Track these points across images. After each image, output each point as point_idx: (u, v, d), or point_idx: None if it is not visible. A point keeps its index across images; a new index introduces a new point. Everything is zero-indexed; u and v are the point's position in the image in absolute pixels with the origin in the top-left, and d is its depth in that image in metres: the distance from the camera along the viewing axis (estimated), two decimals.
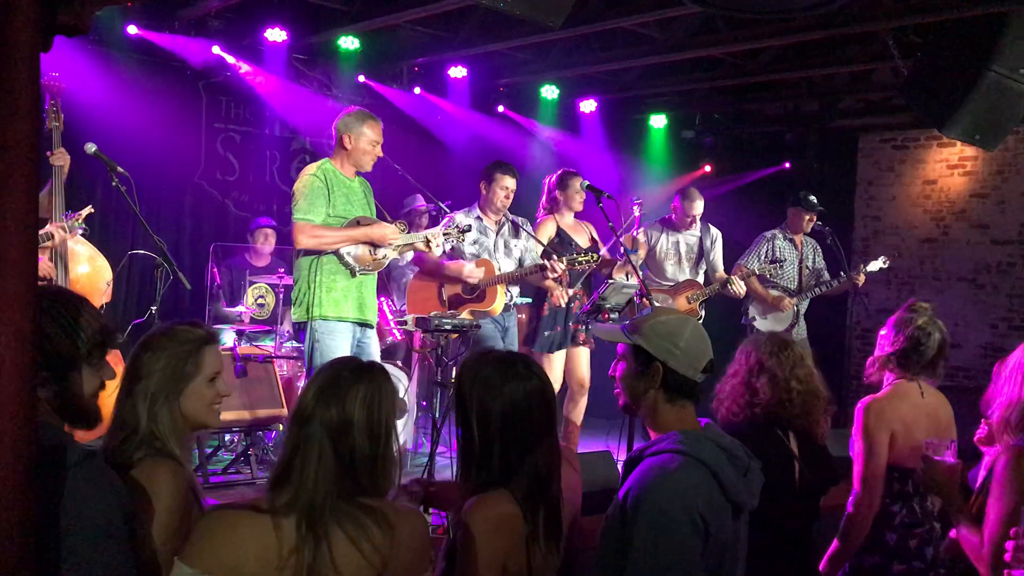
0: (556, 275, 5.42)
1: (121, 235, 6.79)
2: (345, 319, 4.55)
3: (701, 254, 6.48)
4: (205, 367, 2.18)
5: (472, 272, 5.38)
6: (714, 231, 6.55)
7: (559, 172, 5.90)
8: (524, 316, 6.00)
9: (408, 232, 4.89)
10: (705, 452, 2.13)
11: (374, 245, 4.60)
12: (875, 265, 6.63)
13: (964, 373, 8.20)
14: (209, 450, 5.72)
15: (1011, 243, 8.29)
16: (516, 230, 5.69)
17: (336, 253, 4.52)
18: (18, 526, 1.43)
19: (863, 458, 3.07)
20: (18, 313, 1.41)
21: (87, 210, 4.74)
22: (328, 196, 4.51)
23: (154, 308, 4.69)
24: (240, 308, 6.49)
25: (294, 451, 1.78)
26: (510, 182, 5.53)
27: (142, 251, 5.51)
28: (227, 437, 5.97)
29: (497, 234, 5.62)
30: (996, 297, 8.33)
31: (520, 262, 5.68)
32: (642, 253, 6.21)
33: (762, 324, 6.60)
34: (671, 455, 2.12)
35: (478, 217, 5.58)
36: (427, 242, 4.82)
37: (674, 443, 2.14)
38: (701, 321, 6.26)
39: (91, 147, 4.47)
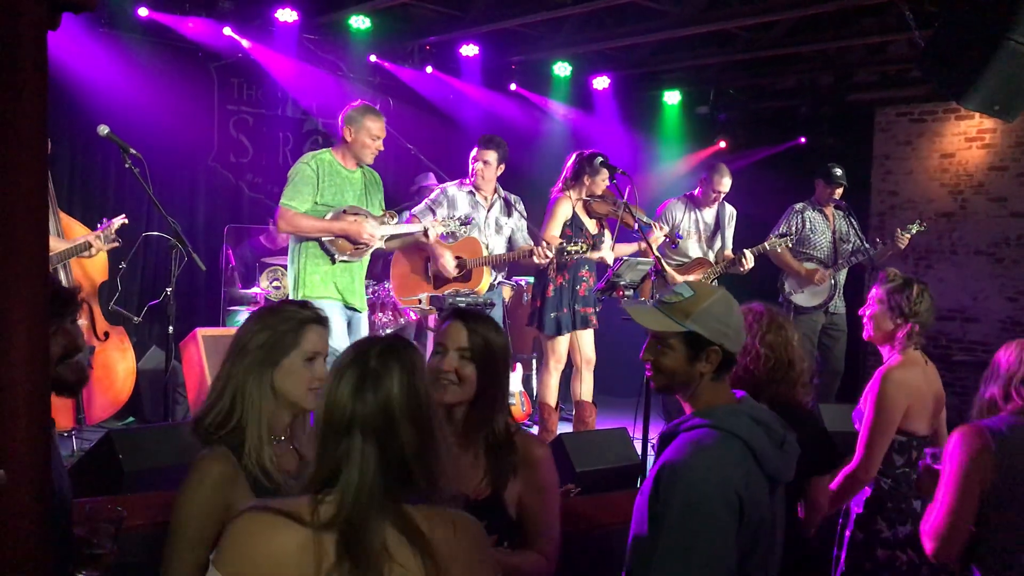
0: (543, 262, 5.36)
1: (135, 217, 6.78)
2: (331, 298, 4.68)
3: (715, 231, 6.43)
4: (304, 344, 2.12)
5: (448, 267, 5.33)
6: (730, 209, 6.48)
7: (590, 153, 5.67)
8: (528, 297, 5.96)
9: (399, 214, 4.98)
10: (740, 426, 2.13)
11: (351, 240, 4.68)
12: (913, 228, 6.56)
13: (983, 348, 8.12)
14: None
15: None
16: (508, 208, 5.62)
17: (317, 239, 4.66)
18: (36, 504, 1.43)
19: (874, 426, 3.14)
20: (30, 293, 1.40)
21: (120, 219, 4.84)
22: (317, 185, 4.64)
23: (169, 289, 4.71)
24: (256, 289, 6.51)
25: (338, 461, 1.58)
26: (487, 156, 5.45)
27: (156, 232, 5.54)
28: None
29: (488, 210, 5.55)
30: (1015, 270, 8.24)
31: (510, 240, 5.64)
32: (660, 235, 6.16)
33: (799, 299, 6.54)
34: (706, 430, 2.12)
35: (471, 192, 5.50)
36: (425, 232, 4.92)
37: (710, 418, 2.15)
38: None
39: (104, 129, 4.47)
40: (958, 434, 2.59)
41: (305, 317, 2.15)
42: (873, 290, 3.34)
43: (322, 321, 2.19)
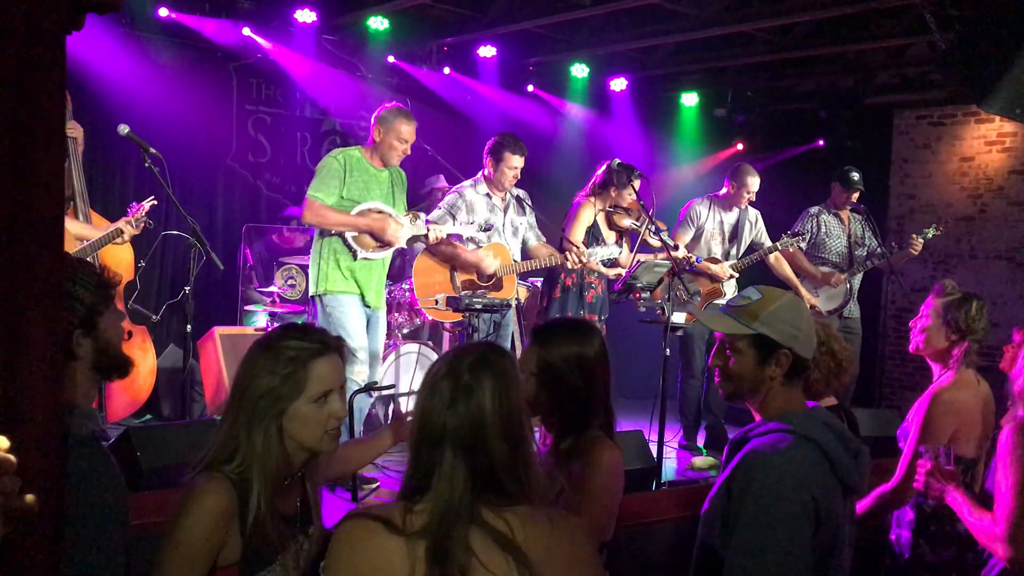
0: (576, 267, 5.33)
1: (154, 216, 6.78)
2: (351, 293, 4.73)
3: (734, 234, 6.40)
4: (311, 385, 1.91)
5: (490, 265, 5.29)
6: (753, 211, 6.44)
7: (620, 165, 5.60)
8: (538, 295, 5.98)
9: (424, 215, 4.99)
10: (816, 431, 2.08)
11: (375, 236, 4.72)
12: (930, 232, 6.52)
13: (1001, 353, 8.06)
14: None
15: None
16: (520, 206, 5.59)
17: (341, 235, 4.68)
18: (48, 507, 1.44)
19: (917, 446, 3.02)
20: (46, 288, 1.42)
21: (149, 201, 4.88)
22: (343, 180, 4.67)
23: (187, 288, 4.75)
24: (272, 288, 6.55)
25: (430, 470, 1.60)
26: (519, 161, 5.32)
27: (175, 232, 5.58)
28: None
29: (505, 213, 5.51)
30: None
31: (524, 241, 5.62)
32: (686, 237, 6.16)
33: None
34: (781, 435, 2.08)
35: (487, 195, 5.42)
36: (426, 235, 4.93)
37: (784, 423, 2.10)
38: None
39: (124, 128, 4.51)
40: (1009, 430, 2.46)
41: (307, 351, 1.93)
42: (927, 302, 3.21)
43: (330, 349, 1.97)
